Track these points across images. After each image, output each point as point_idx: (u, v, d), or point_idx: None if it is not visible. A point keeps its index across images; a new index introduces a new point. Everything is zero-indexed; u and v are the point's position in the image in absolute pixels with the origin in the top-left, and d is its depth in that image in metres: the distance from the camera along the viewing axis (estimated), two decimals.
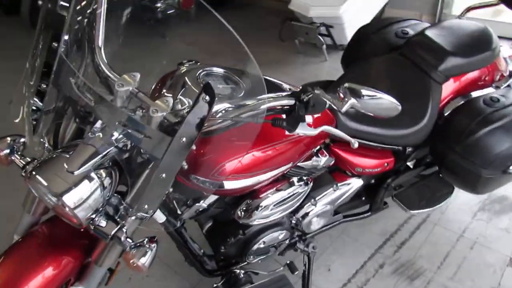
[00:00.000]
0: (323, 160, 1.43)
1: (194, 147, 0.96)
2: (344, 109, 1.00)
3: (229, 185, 1.16)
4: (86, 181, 0.96)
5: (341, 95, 1.00)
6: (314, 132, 1.10)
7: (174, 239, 1.44)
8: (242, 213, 1.32)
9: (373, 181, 1.75)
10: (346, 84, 1.01)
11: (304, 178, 1.42)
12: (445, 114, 1.65)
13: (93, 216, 1.01)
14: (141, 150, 0.97)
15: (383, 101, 1.03)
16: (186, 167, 1.06)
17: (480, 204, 2.17)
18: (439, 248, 1.93)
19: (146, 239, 1.12)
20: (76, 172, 0.93)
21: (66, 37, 1.04)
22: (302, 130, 1.07)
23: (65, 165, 0.94)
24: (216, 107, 1.04)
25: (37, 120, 1.10)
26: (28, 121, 1.09)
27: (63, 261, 1.16)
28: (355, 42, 1.97)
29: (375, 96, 1.01)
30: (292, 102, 1.06)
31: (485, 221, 2.07)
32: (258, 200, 1.31)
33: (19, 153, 1.13)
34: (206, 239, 1.57)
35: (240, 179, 1.18)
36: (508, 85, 1.77)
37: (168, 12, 4.58)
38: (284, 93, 1.12)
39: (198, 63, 1.31)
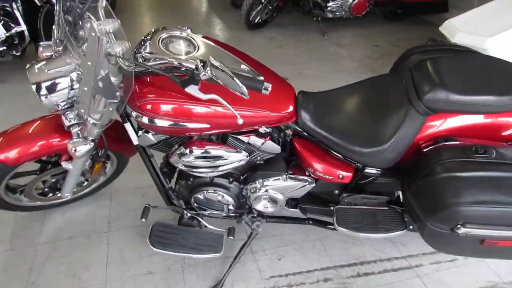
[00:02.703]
0: (261, 142, 1.56)
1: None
2: (202, 76, 1.17)
3: (148, 121, 1.45)
4: (56, 80, 1.44)
5: (207, 67, 1.17)
6: (202, 96, 1.29)
7: (146, 166, 1.80)
8: (173, 154, 1.59)
9: (337, 191, 1.73)
10: (213, 61, 1.17)
11: (240, 150, 1.57)
12: (424, 150, 1.49)
13: (60, 107, 1.50)
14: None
15: (235, 84, 1.15)
16: (118, 94, 1.42)
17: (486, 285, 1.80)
18: None
19: (90, 137, 1.56)
20: (47, 71, 1.42)
21: None
22: (191, 91, 1.28)
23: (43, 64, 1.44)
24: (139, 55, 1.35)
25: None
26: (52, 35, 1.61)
27: (66, 139, 1.69)
28: (399, 59, 1.89)
29: (231, 77, 1.15)
30: (192, 66, 1.28)
31: None
32: (186, 148, 1.55)
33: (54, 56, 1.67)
34: None
35: (161, 120, 1.44)
36: None
37: (337, 14, 4.85)
38: (190, 58, 1.33)
39: (187, 28, 1.58)
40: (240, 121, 1.32)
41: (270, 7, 4.80)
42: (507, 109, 1.40)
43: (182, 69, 1.29)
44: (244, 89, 1.17)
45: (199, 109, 1.42)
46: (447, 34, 3.45)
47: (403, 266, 1.87)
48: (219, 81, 1.18)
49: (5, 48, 3.52)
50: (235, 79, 1.15)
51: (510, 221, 1.30)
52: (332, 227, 1.82)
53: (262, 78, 1.27)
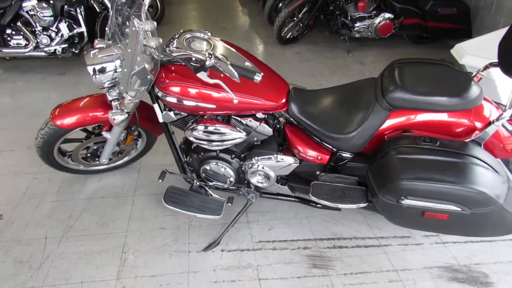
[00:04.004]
0: (256, 125, 1.95)
1: (146, 65, 1.76)
2: (208, 64, 1.59)
3: (171, 99, 1.87)
4: (105, 64, 1.91)
5: (213, 59, 1.59)
6: (210, 80, 1.70)
7: (168, 141, 2.23)
8: (188, 129, 2.01)
9: (317, 172, 2.08)
10: (216, 54, 1.59)
11: (240, 129, 1.97)
12: (386, 139, 1.83)
13: (105, 85, 1.96)
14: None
15: (230, 71, 1.56)
16: (149, 77, 1.86)
17: (441, 271, 2.06)
18: (362, 266, 2.06)
19: (126, 110, 2.01)
20: (99, 56, 1.89)
21: None
22: (201, 76, 1.70)
23: (97, 51, 1.91)
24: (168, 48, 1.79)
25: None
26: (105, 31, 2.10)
27: (107, 112, 2.16)
28: (385, 68, 2.22)
29: (229, 67, 1.56)
30: (203, 57, 1.71)
31: None
32: (198, 124, 1.96)
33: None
34: None
35: (180, 99, 1.86)
36: (473, 140, 1.74)
37: (364, 34, 5.20)
38: (204, 52, 1.75)
39: (208, 32, 2.01)
40: (236, 101, 1.73)
41: (301, 25, 5.23)
42: (457, 108, 1.71)
43: (196, 59, 1.72)
44: (236, 75, 1.58)
45: (207, 92, 1.83)
46: (456, 56, 3.72)
47: (374, 244, 2.18)
48: (220, 68, 1.60)
49: (66, 45, 4.15)
50: (231, 67, 1.57)
51: (444, 196, 1.61)
52: (314, 204, 2.17)
53: (262, 73, 1.67)
